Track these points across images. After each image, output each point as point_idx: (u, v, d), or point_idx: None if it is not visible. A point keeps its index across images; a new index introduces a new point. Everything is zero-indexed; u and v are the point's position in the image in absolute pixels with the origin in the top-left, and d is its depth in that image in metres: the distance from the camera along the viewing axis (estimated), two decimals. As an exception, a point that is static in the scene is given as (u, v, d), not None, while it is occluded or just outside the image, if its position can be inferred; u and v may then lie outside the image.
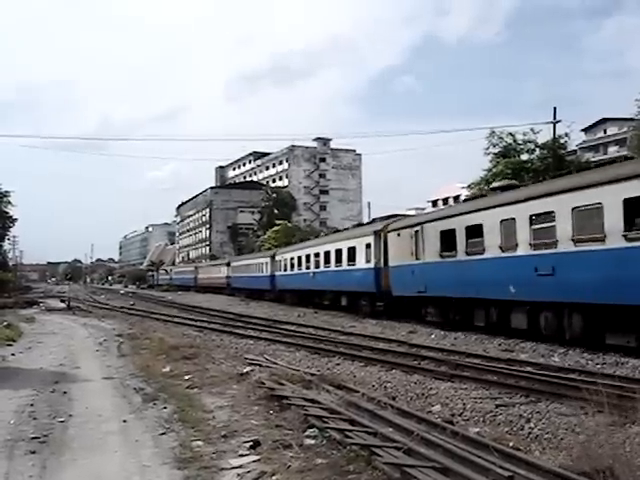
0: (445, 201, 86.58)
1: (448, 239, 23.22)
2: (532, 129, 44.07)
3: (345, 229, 43.72)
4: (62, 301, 49.79)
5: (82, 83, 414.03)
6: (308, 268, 40.96)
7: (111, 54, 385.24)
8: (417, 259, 25.73)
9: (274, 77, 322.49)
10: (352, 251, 32.83)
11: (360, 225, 42.03)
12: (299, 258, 43.67)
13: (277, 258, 50.04)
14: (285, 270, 46.91)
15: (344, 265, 33.94)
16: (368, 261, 30.60)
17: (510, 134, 44.73)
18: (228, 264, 71.09)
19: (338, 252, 35.12)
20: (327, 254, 37.22)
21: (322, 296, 38.54)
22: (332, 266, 36.08)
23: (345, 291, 34.28)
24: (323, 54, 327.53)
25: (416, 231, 25.96)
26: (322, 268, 38.01)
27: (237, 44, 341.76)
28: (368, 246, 30.84)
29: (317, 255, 39.27)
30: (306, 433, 8.14)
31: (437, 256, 24.16)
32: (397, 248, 27.80)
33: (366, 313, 30.77)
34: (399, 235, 27.69)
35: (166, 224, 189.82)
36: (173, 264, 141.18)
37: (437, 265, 24.15)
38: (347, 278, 33.04)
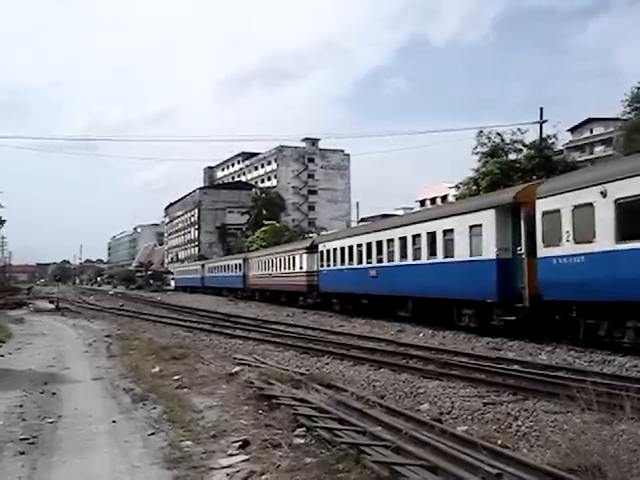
0: (433, 201, 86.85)
1: None
2: (519, 129, 44.34)
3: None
4: (51, 302, 49.55)
5: (72, 85, 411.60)
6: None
7: (102, 56, 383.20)
8: None
9: (264, 78, 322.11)
10: None
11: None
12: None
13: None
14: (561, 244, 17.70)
15: None
16: None
17: (498, 134, 44.96)
18: (311, 248, 40.84)
19: None
20: None
21: None
22: None
23: None
24: (313, 55, 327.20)
25: None
26: None
27: (228, 46, 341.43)
28: None
29: None
30: (295, 432, 8.16)
31: None
32: None
33: None
34: None
35: (155, 225, 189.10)
36: (162, 264, 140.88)
37: None
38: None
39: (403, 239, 27.10)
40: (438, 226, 24.24)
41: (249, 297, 55.17)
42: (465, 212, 22.96)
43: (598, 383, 10.25)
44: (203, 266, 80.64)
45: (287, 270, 45.00)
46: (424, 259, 25.14)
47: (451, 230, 23.31)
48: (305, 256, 41.32)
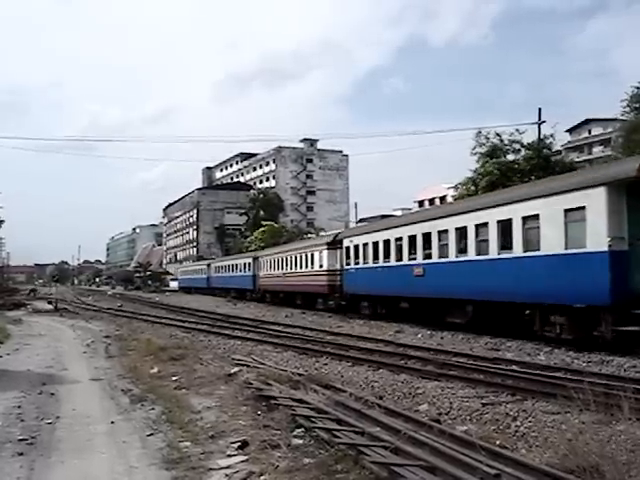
0: (431, 201, 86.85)
1: None
2: (517, 129, 44.34)
3: None
4: (49, 303, 49.46)
5: (72, 85, 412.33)
6: None
7: (101, 56, 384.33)
8: None
9: (264, 78, 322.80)
10: None
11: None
12: None
13: None
14: None
15: None
16: None
17: (497, 134, 44.97)
18: (334, 244, 36.32)
19: None
20: None
21: None
22: None
23: None
24: (313, 55, 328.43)
25: None
26: None
27: (227, 46, 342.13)
28: None
29: None
30: (294, 433, 8.15)
31: None
32: None
33: None
34: None
35: (153, 225, 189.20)
36: (161, 265, 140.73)
37: None
38: None
39: (461, 230, 22.42)
40: (515, 212, 19.57)
41: (260, 299, 51.22)
42: (558, 192, 18.02)
43: (596, 383, 10.26)
44: (209, 265, 75.62)
45: (304, 269, 40.40)
46: (493, 253, 20.58)
47: (535, 216, 18.72)
48: (326, 253, 36.69)
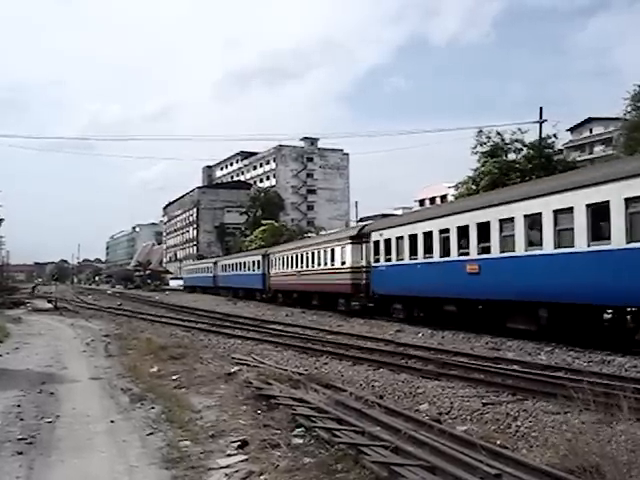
0: (432, 200, 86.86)
1: None
2: (519, 129, 44.41)
3: None
4: (49, 301, 49.42)
5: (72, 83, 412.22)
6: None
7: (102, 54, 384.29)
8: None
9: (265, 77, 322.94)
10: None
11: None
12: None
13: None
14: None
15: None
16: None
17: (498, 133, 45.02)
18: (359, 237, 32.57)
19: None
20: None
21: None
22: None
23: None
24: (313, 54, 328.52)
25: None
26: None
27: (228, 45, 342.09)
28: None
29: None
30: (294, 432, 8.14)
31: None
32: None
33: None
34: None
35: (153, 224, 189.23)
36: (161, 263, 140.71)
37: None
38: None
39: (533, 217, 18.70)
40: (613, 192, 15.72)
41: (271, 299, 47.31)
42: None
43: (597, 383, 10.24)
44: (215, 264, 70.50)
45: (323, 266, 36.48)
46: (581, 245, 16.75)
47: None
48: (349, 248, 32.65)
